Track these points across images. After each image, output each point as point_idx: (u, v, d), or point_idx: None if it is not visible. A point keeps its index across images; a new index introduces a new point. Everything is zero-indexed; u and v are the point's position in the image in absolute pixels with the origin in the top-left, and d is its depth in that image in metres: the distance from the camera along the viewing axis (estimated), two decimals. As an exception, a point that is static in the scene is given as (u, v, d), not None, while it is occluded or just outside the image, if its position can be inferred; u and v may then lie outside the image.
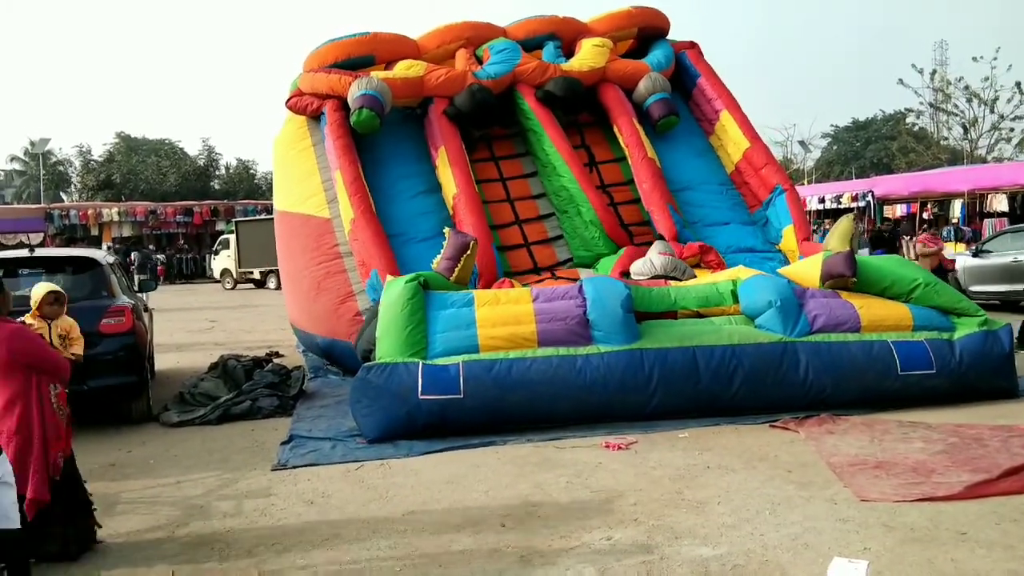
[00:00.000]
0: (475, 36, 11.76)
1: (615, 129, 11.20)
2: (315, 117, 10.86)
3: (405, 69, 10.84)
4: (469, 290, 7.88)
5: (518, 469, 5.87)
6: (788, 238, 10.19)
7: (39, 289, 5.21)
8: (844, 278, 7.79)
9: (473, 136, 10.98)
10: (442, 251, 8.08)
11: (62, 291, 5.27)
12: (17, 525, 3.61)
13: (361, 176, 9.79)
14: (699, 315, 7.80)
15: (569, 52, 11.84)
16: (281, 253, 11.34)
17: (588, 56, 11.52)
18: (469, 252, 7.94)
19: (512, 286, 8.60)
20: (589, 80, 11.36)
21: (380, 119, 10.29)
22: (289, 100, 11.17)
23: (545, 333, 7.07)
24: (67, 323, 5.24)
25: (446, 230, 8.30)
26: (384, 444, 6.60)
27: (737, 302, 7.80)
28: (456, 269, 7.89)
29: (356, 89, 10.26)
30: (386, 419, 6.73)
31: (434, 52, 11.52)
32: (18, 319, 4.70)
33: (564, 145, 10.59)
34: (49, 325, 5.15)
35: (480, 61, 11.48)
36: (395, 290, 7.39)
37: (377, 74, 10.60)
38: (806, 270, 8.18)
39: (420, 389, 6.68)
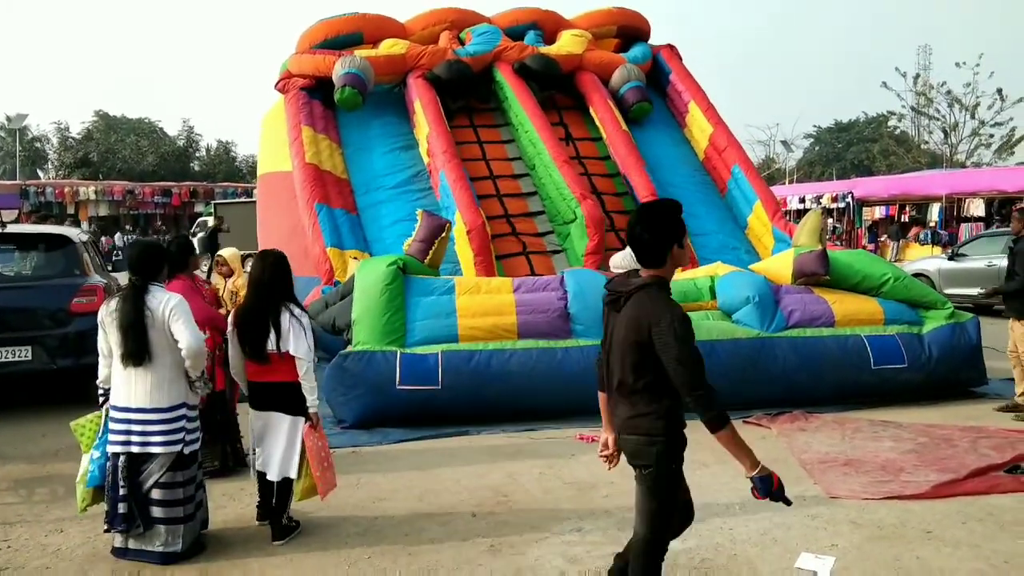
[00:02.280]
0: (459, 20, 12.20)
1: (591, 110, 11.43)
2: None
3: (389, 47, 11.31)
4: (450, 277, 7.83)
5: (491, 459, 5.86)
6: (759, 213, 10.29)
7: (224, 251, 7.03)
8: (817, 275, 7.86)
9: (451, 107, 11.11)
10: (414, 232, 7.97)
11: (223, 257, 6.91)
12: None
13: (301, 136, 10.37)
14: None
15: (550, 42, 12.19)
16: (261, 212, 11.84)
17: (567, 43, 11.94)
18: (443, 235, 7.87)
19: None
20: (567, 65, 11.66)
21: (362, 96, 10.77)
22: (278, 83, 11.62)
23: (526, 325, 7.05)
24: (240, 283, 6.53)
25: (419, 212, 8.19)
26: (358, 431, 6.58)
27: (715, 298, 7.83)
28: (430, 252, 7.79)
29: (340, 68, 10.69)
30: (362, 408, 6.69)
31: (419, 33, 11.96)
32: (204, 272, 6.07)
33: (536, 112, 10.72)
34: (226, 282, 6.75)
35: (463, 43, 11.83)
36: (374, 273, 7.26)
37: (360, 53, 11.05)
38: (777, 267, 8.23)
39: (398, 379, 6.63)
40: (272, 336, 4.25)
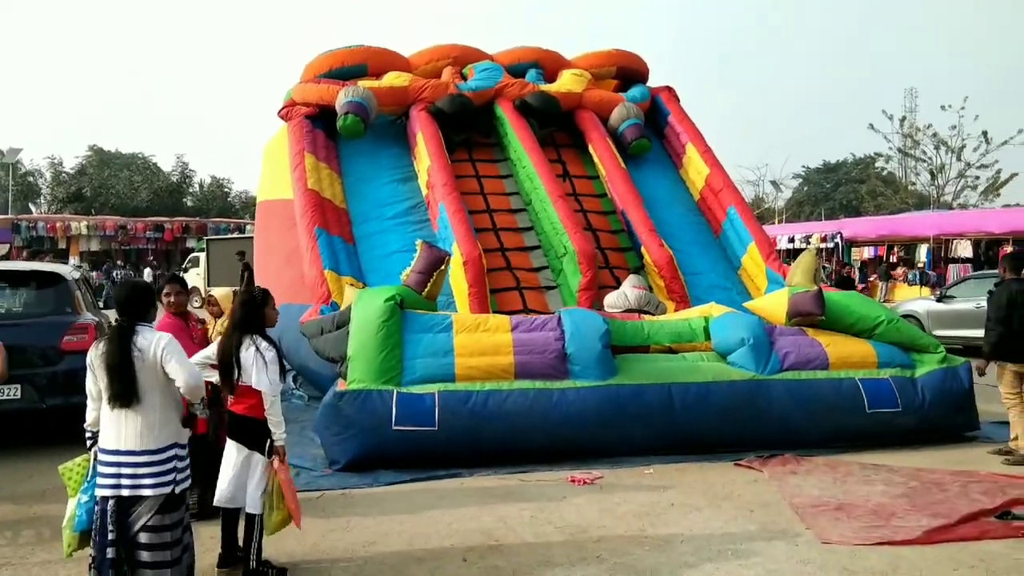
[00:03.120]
0: (462, 56, 12.43)
1: (590, 148, 11.59)
2: None
3: (392, 79, 11.51)
4: (448, 313, 7.79)
5: (482, 502, 5.83)
6: (753, 254, 10.38)
7: (215, 291, 7.22)
8: (812, 316, 7.89)
9: (453, 141, 11.23)
10: (413, 263, 7.87)
11: (214, 297, 7.03)
12: None
13: (304, 162, 10.38)
14: (671, 350, 7.86)
15: (551, 81, 12.40)
16: (258, 240, 11.91)
17: (567, 82, 12.18)
18: (442, 268, 7.81)
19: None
20: (566, 103, 11.85)
21: (365, 124, 10.91)
22: (281, 111, 11.76)
23: (523, 365, 7.00)
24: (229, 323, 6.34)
25: (418, 242, 8.08)
26: (348, 473, 6.52)
27: (709, 339, 7.86)
28: (428, 284, 7.71)
29: (343, 97, 10.88)
30: (356, 448, 6.60)
31: (423, 68, 12.17)
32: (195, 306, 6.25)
33: (534, 148, 10.84)
34: (216, 321, 6.74)
35: (465, 79, 12.05)
36: (371, 308, 7.18)
37: (364, 84, 11.24)
38: (772, 306, 8.27)
39: (394, 419, 6.56)
40: (236, 369, 4.36)
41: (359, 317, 7.17)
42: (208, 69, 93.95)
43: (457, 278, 9.04)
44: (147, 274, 28.47)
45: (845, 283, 14.78)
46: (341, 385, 6.86)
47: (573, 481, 6.34)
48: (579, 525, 5.31)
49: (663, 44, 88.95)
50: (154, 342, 3.93)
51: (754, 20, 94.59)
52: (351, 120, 10.71)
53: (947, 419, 7.64)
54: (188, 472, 4.12)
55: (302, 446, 7.28)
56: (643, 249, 10.06)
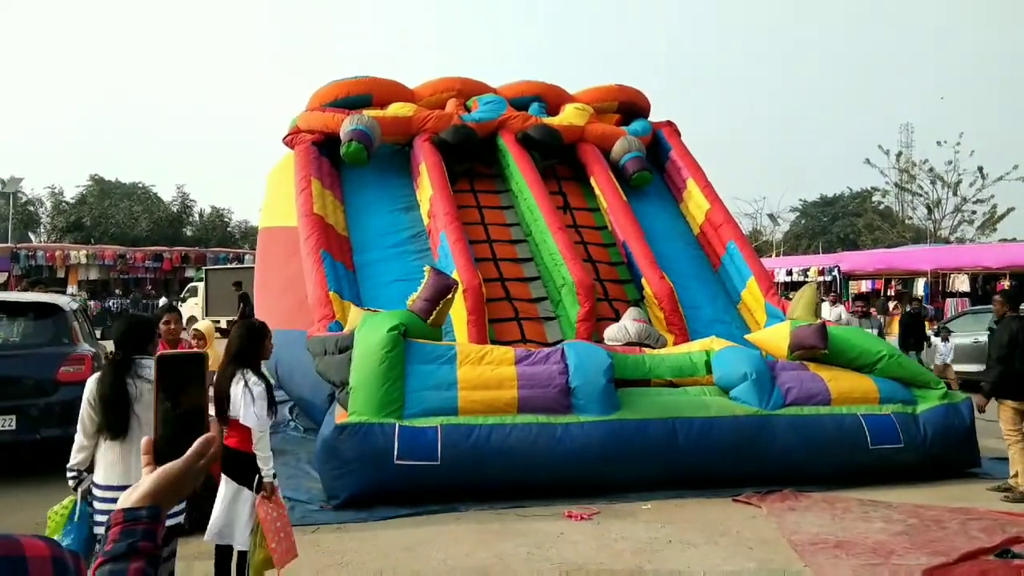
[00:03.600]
0: (466, 89, 12.61)
1: (591, 181, 11.69)
2: None
3: (397, 109, 11.67)
4: (452, 344, 7.67)
5: (478, 537, 5.78)
6: (752, 289, 10.39)
7: (200, 324, 7.18)
8: (815, 349, 7.88)
9: (456, 171, 11.31)
10: (419, 289, 7.71)
11: (200, 331, 6.92)
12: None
13: (310, 187, 10.45)
14: (672, 384, 7.82)
15: (553, 114, 12.56)
16: (259, 266, 11.92)
17: (569, 115, 12.36)
18: (449, 297, 7.66)
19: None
20: (568, 136, 11.99)
21: (368, 152, 11.00)
22: (286, 137, 11.87)
23: (526, 400, 6.94)
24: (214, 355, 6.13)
25: (427, 268, 7.93)
26: (344, 508, 6.45)
27: (710, 372, 7.82)
28: (434, 312, 7.57)
29: (347, 124, 11.01)
30: (357, 483, 6.48)
31: (427, 99, 12.33)
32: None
33: (535, 180, 10.93)
34: None
35: (468, 111, 12.20)
36: (374, 337, 7.04)
37: (368, 112, 11.37)
38: (774, 339, 8.26)
39: (396, 453, 6.47)
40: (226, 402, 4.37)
41: (362, 345, 7.06)
42: (210, 99, 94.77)
43: (456, 306, 9.04)
44: (161, 302, 28.25)
45: (914, 321, 14.13)
46: (340, 417, 6.77)
47: (570, 516, 6.30)
48: (576, 562, 5.27)
49: (659, 76, 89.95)
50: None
51: (751, 54, 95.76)
52: (354, 148, 10.81)
53: (949, 455, 7.60)
54: (183, 504, 4.10)
55: (297, 479, 7.23)
56: (644, 280, 10.08)
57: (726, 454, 7.08)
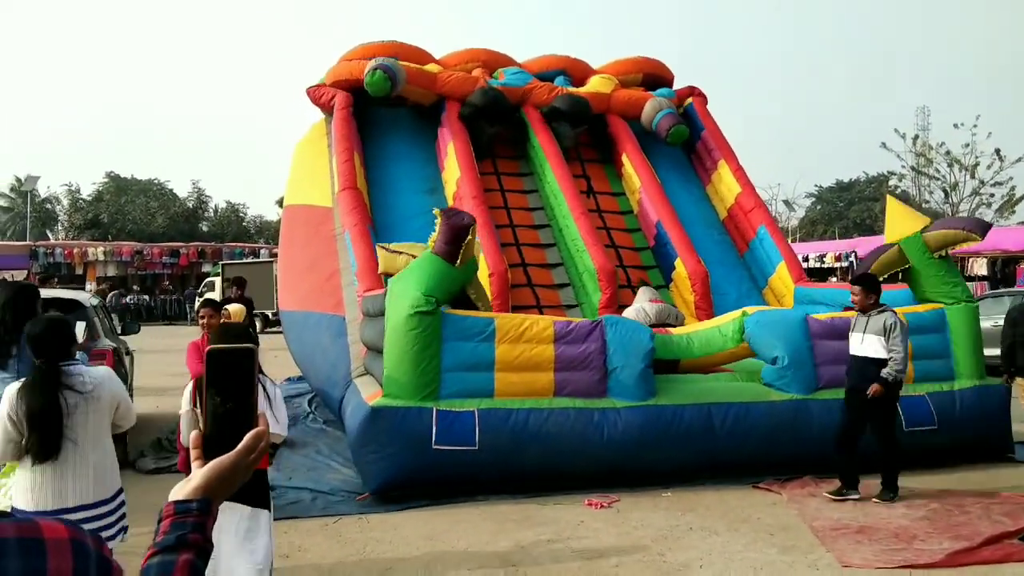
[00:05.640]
0: (492, 60, 12.67)
1: (623, 157, 11.58)
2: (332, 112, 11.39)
3: (423, 66, 11.70)
4: (492, 315, 7.20)
5: (499, 526, 5.81)
6: (782, 273, 10.32)
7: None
8: (971, 236, 7.79)
9: (487, 132, 11.25)
10: (434, 234, 6.96)
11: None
12: None
13: (353, 158, 10.23)
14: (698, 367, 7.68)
15: (578, 86, 12.50)
16: (283, 245, 11.80)
17: (595, 84, 12.36)
18: (470, 237, 6.83)
19: None
20: (596, 104, 11.92)
21: (392, 83, 10.79)
22: (309, 89, 11.77)
23: (562, 383, 6.80)
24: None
25: (436, 210, 7.10)
26: (379, 495, 6.37)
27: (741, 342, 7.49)
28: (458, 256, 6.82)
29: (373, 62, 10.92)
30: (395, 468, 6.31)
31: (453, 68, 12.25)
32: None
33: (559, 162, 10.84)
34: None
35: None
36: (404, 309, 6.56)
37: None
38: (903, 226, 8.35)
39: (434, 438, 6.31)
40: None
41: (392, 318, 6.68)
42: (225, 95, 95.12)
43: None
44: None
45: None
46: (371, 397, 6.54)
47: (590, 504, 6.31)
48: (597, 550, 5.28)
49: (674, 61, 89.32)
50: (95, 378, 3.44)
51: (766, 39, 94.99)
52: (379, 76, 10.63)
53: (982, 439, 7.49)
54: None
55: (318, 471, 7.26)
56: (677, 261, 9.97)
57: (764, 440, 6.97)
